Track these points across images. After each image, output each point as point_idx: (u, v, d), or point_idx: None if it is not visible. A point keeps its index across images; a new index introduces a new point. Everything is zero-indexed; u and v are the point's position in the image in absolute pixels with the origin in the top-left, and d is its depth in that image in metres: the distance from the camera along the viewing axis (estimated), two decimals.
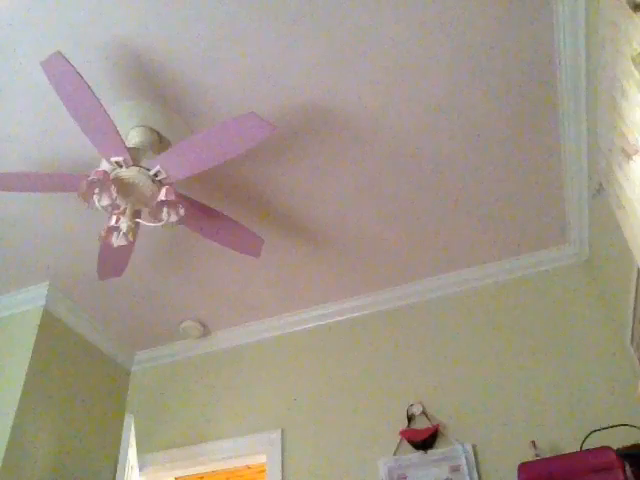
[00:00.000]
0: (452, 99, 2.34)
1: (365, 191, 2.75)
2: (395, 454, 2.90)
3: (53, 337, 3.18)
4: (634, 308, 2.29)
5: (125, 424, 3.14)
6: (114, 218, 2.17)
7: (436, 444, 2.85)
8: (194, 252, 3.05)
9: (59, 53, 1.87)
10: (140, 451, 3.39)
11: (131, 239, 2.16)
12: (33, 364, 2.98)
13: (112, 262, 2.61)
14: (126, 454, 3.02)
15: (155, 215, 2.19)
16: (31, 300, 3.17)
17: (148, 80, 2.20)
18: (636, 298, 2.23)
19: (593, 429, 2.60)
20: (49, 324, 3.17)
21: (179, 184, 2.56)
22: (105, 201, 2.07)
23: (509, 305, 3.16)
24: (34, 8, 1.96)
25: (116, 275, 2.71)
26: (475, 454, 2.77)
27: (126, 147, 2.10)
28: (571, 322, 2.98)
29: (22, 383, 2.89)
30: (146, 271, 3.17)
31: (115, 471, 3.26)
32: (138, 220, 2.29)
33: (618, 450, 2.27)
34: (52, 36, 2.04)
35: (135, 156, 2.15)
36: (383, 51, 2.15)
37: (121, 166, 2.12)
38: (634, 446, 2.31)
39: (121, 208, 2.18)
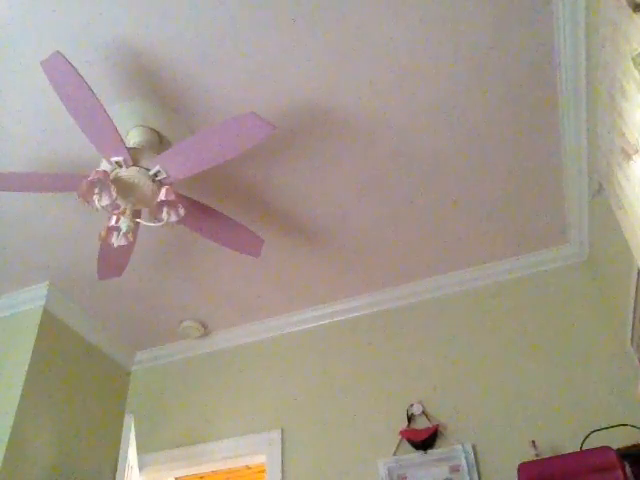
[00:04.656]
0: (452, 99, 2.34)
1: (365, 191, 2.75)
2: (395, 454, 2.90)
3: (53, 337, 3.18)
4: (634, 308, 2.29)
5: (125, 424, 3.14)
6: (114, 218, 2.17)
7: (436, 444, 2.85)
8: (194, 252, 3.05)
9: (59, 53, 1.87)
10: (140, 451, 3.39)
11: (131, 239, 2.16)
12: (33, 364, 2.98)
13: (112, 262, 2.61)
14: (126, 454, 3.02)
15: (155, 215, 2.19)
16: (31, 300, 3.17)
17: (148, 80, 2.20)
18: (636, 298, 2.23)
19: (593, 429, 2.60)
20: (49, 324, 3.17)
21: (179, 184, 2.56)
22: (105, 201, 2.07)
23: (509, 305, 3.16)
24: (34, 8, 1.96)
25: (116, 275, 2.71)
26: (475, 454, 2.77)
27: (126, 147, 2.10)
28: (571, 322, 2.98)
29: (22, 383, 2.89)
30: (146, 271, 3.16)
31: (115, 471, 3.26)
32: (138, 220, 2.29)
33: (618, 450, 2.28)
34: (52, 36, 2.04)
35: (135, 156, 2.15)
36: (383, 51, 2.15)
37: (121, 166, 2.12)
38: (634, 446, 2.31)
39: (121, 208, 2.18)
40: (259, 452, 3.21)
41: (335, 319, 3.51)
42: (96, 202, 2.06)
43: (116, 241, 2.16)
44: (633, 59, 1.44)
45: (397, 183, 2.71)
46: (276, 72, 2.20)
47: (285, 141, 2.47)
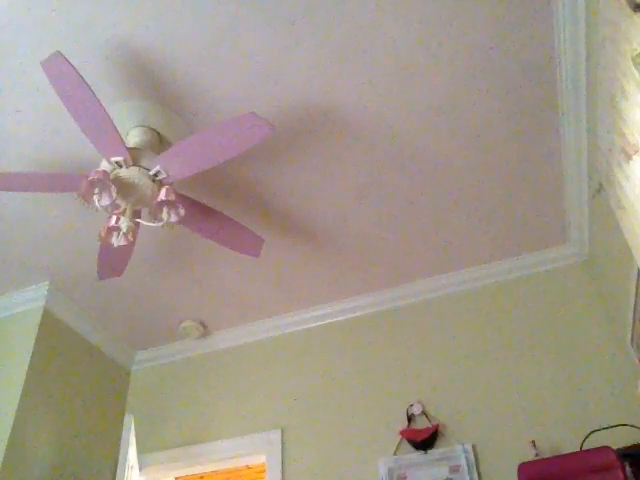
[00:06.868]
0: (452, 99, 2.34)
1: (365, 191, 2.75)
2: (395, 454, 2.90)
3: (53, 337, 3.18)
4: (634, 308, 2.29)
5: (125, 424, 3.14)
6: (114, 218, 2.17)
7: (436, 444, 2.85)
8: (194, 252, 3.05)
9: (59, 53, 1.87)
10: (140, 451, 3.39)
11: (131, 239, 2.16)
12: (33, 364, 2.98)
13: (112, 262, 2.61)
14: (126, 454, 3.02)
15: (155, 215, 2.19)
16: (31, 300, 3.17)
17: (148, 80, 2.20)
18: (636, 298, 2.23)
19: (593, 429, 2.60)
20: (49, 324, 3.17)
21: (179, 184, 2.56)
22: (105, 201, 2.07)
23: (509, 305, 3.16)
24: (34, 8, 1.96)
25: (116, 275, 2.71)
26: (475, 454, 2.77)
27: (126, 147, 2.10)
28: (571, 322, 2.98)
29: (22, 383, 2.89)
30: (146, 271, 3.16)
31: (115, 471, 3.26)
32: (138, 220, 2.29)
33: (618, 450, 2.28)
34: (52, 36, 2.04)
35: (135, 156, 2.15)
36: (383, 51, 2.15)
37: (121, 166, 2.12)
38: (634, 446, 2.32)
39: (121, 208, 2.18)
40: (259, 452, 3.21)
41: (335, 319, 3.51)
42: (96, 202, 2.06)
43: (116, 241, 2.16)
44: (633, 59, 1.44)
45: (397, 183, 2.71)
46: (276, 72, 2.20)
47: (285, 141, 2.47)
